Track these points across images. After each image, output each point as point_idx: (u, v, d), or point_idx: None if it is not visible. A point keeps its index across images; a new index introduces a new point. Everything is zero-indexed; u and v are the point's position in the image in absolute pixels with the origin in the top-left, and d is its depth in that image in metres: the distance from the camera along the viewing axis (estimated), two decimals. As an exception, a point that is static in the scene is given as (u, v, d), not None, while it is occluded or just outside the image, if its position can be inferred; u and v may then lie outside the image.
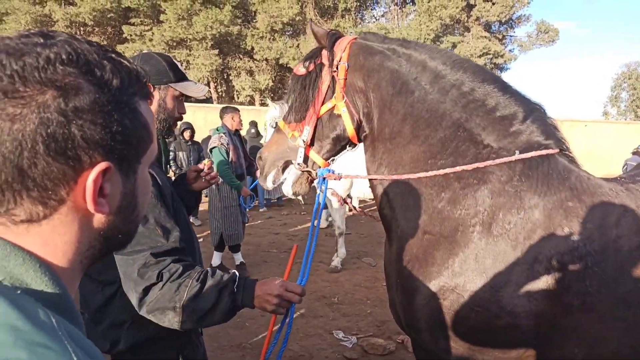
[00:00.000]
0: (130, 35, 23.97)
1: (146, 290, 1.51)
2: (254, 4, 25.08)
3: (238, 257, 6.35)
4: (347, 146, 2.12)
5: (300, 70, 2.07)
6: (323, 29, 2.08)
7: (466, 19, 27.83)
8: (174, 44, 23.99)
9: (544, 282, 1.65)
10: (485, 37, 27.75)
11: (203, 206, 7.71)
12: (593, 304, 1.65)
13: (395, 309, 2.05)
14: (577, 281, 1.65)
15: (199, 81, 24.51)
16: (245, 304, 1.58)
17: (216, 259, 6.30)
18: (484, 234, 1.73)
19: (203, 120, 15.96)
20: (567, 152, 1.89)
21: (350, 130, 2.01)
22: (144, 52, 1.97)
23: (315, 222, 1.96)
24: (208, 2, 23.56)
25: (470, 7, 27.33)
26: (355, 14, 27.92)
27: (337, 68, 2.01)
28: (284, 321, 1.70)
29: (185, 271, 1.54)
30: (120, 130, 0.66)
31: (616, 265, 1.65)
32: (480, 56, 26.91)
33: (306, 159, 2.05)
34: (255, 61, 25.50)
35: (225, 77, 25.99)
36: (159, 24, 23.67)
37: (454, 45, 27.26)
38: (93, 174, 0.64)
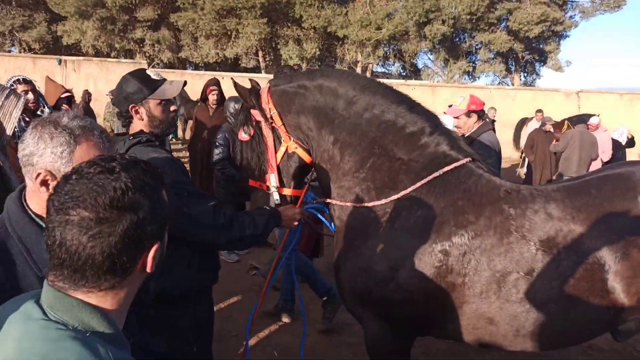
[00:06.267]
0: (183, 4, 24.58)
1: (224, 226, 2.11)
2: (303, -30, 24.90)
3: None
4: (308, 171, 2.58)
5: (244, 136, 2.45)
6: (245, 88, 2.41)
7: (524, -17, 26.35)
8: (224, 12, 24.38)
9: (432, 265, 2.07)
10: (544, 2, 26.19)
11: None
12: (472, 283, 2.04)
13: None
14: (458, 264, 2.05)
15: (248, 50, 25.08)
16: (277, 225, 2.31)
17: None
18: (389, 228, 2.17)
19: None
20: (475, 160, 2.24)
21: (307, 158, 2.42)
22: (122, 77, 2.19)
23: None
24: (257, -30, 23.64)
25: (529, -30, 25.82)
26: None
27: (272, 119, 2.36)
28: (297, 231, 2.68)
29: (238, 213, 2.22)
30: (163, 221, 0.98)
31: (485, 253, 2.04)
32: (537, 23, 25.53)
33: (283, 197, 2.49)
34: (303, 29, 25.56)
35: (274, 45, 26.29)
36: (210, -7, 24.09)
37: (510, 12, 26.02)
38: (152, 252, 0.96)
